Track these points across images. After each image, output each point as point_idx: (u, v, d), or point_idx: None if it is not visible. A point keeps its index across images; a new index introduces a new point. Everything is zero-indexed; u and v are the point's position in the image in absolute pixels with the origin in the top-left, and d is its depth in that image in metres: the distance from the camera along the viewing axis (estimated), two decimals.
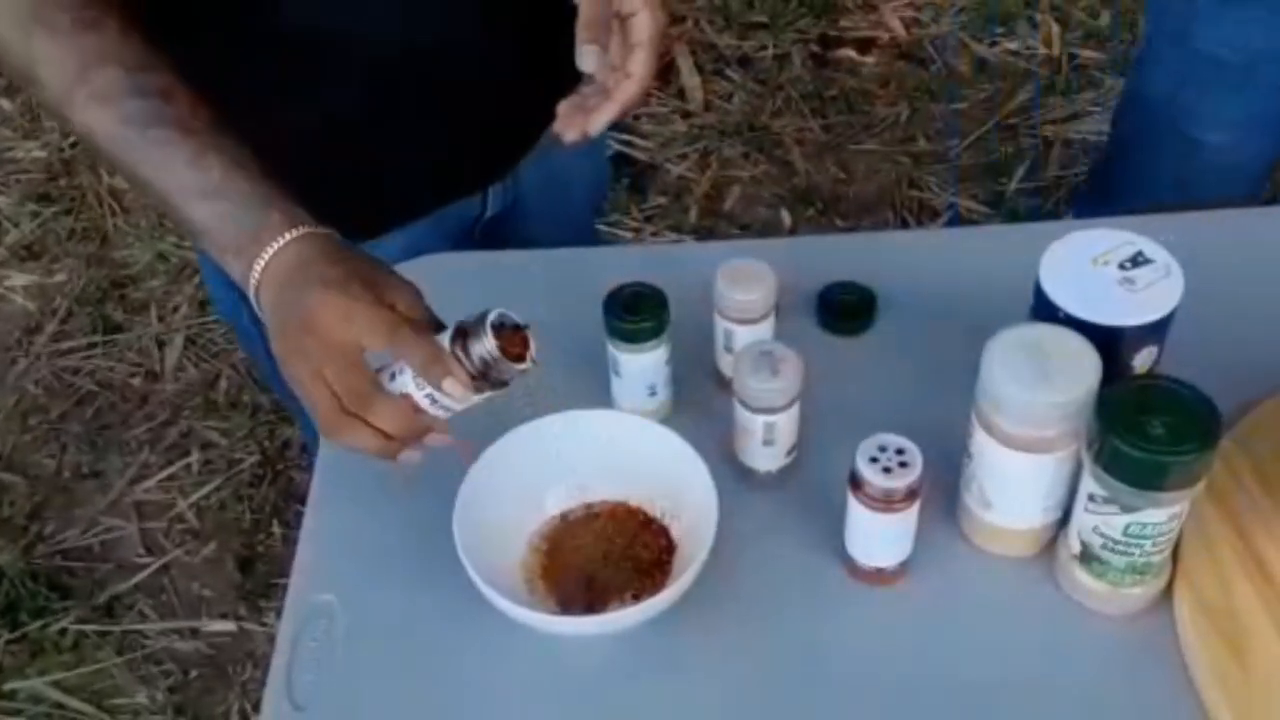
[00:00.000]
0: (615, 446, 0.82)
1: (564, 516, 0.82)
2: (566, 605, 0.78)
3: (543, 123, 0.86)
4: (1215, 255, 0.86)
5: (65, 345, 2.03)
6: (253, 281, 0.72)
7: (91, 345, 2.03)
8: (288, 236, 0.72)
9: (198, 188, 0.73)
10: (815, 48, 2.47)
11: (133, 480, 1.83)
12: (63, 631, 1.65)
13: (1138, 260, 0.78)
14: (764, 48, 2.44)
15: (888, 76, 2.40)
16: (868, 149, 2.26)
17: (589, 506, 0.83)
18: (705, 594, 0.76)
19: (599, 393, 0.88)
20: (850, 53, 2.45)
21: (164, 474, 1.84)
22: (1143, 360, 0.78)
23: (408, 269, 1.06)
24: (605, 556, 0.80)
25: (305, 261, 0.71)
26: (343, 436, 0.72)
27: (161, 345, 2.02)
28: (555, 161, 1.04)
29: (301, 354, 0.70)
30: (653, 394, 0.87)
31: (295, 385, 0.72)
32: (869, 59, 2.44)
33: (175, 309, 2.08)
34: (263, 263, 0.71)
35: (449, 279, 1.03)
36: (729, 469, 0.84)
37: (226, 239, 0.73)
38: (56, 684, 1.60)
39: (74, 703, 1.58)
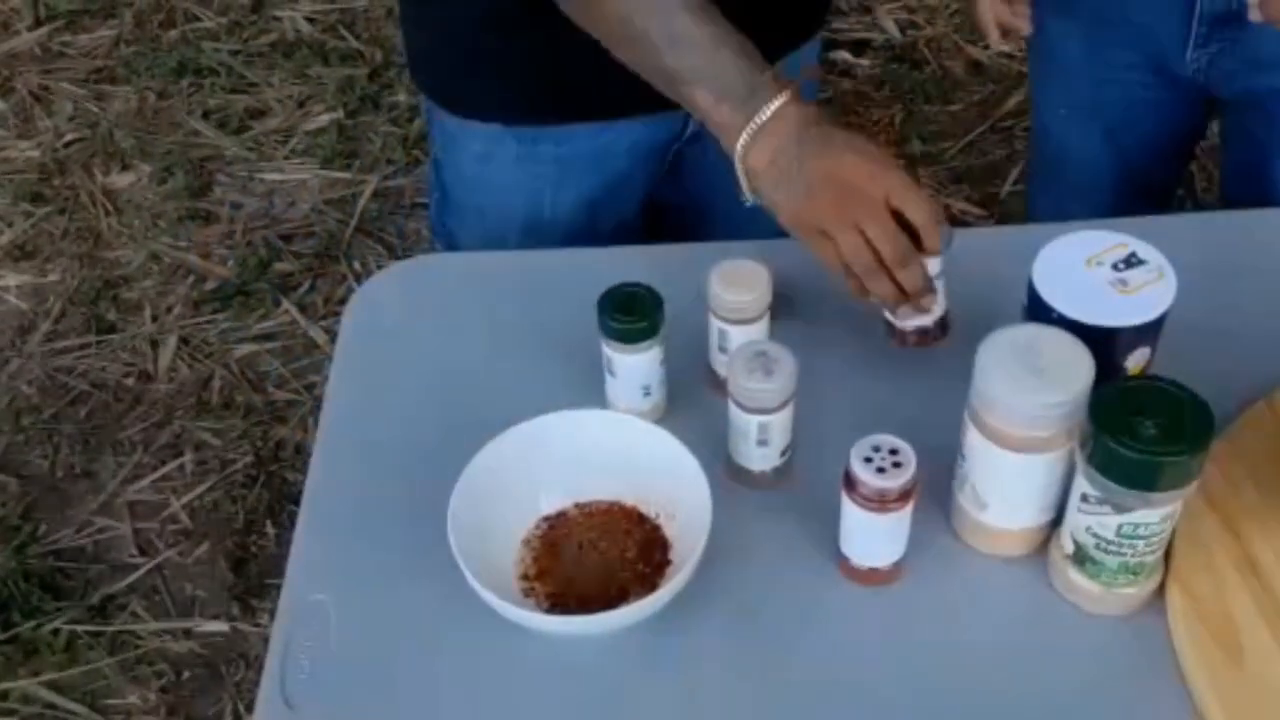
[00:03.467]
0: (609, 446, 0.82)
1: (558, 516, 0.82)
2: (560, 605, 0.78)
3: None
4: (1208, 257, 0.86)
5: (58, 345, 2.02)
6: (749, 130, 0.81)
7: (85, 345, 2.02)
8: (786, 95, 0.81)
9: (700, 38, 0.83)
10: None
11: (126, 480, 1.83)
12: (55, 632, 1.64)
13: (1131, 261, 0.78)
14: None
15: (882, 78, 2.40)
16: None
17: (583, 506, 0.83)
18: (699, 594, 0.76)
19: (593, 393, 0.88)
20: (845, 55, 2.45)
21: (157, 474, 1.83)
22: (1136, 361, 0.78)
23: (400, 269, 1.06)
24: (599, 556, 0.80)
25: (811, 121, 0.81)
26: (872, 285, 0.81)
27: (155, 345, 2.01)
28: None
29: (837, 209, 0.80)
30: (647, 394, 0.87)
31: (821, 236, 0.81)
32: (864, 61, 2.44)
33: (169, 309, 2.07)
34: (766, 114, 0.81)
35: (444, 279, 1.03)
36: (723, 469, 0.84)
37: (725, 87, 0.82)
38: (49, 685, 1.59)
39: (67, 703, 1.58)
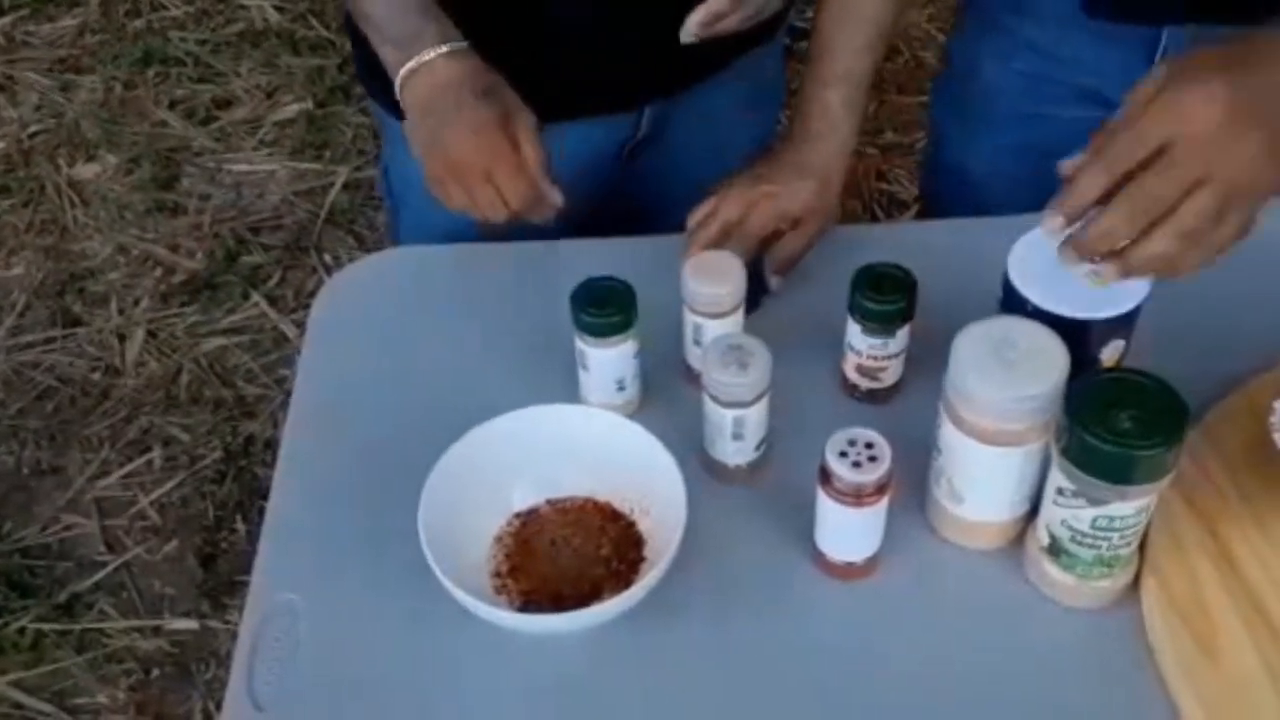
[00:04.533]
0: (582, 442, 0.81)
1: (530, 513, 0.82)
2: (533, 602, 0.77)
3: (710, 60, 1.02)
4: None
5: (23, 339, 2.00)
6: (400, 75, 0.90)
7: (50, 339, 2.00)
8: (439, 50, 0.88)
9: None
10: (784, 40, 2.46)
11: (93, 477, 1.81)
12: (22, 630, 1.62)
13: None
14: None
15: None
16: None
17: (555, 503, 0.82)
18: (674, 589, 0.75)
19: (566, 387, 0.87)
20: None
21: (125, 470, 1.81)
22: (1110, 353, 0.78)
23: (371, 262, 1.05)
24: (573, 553, 0.79)
25: (454, 82, 0.88)
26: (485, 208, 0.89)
27: (122, 339, 1.99)
28: (716, 109, 1.12)
29: (447, 175, 0.89)
30: (621, 389, 0.86)
31: (439, 185, 0.90)
32: None
33: (136, 302, 2.05)
34: (412, 64, 0.89)
35: (415, 271, 1.02)
36: (698, 463, 0.83)
37: (390, 33, 0.91)
38: (16, 684, 1.58)
39: (34, 703, 1.56)
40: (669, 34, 0.93)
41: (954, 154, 1.27)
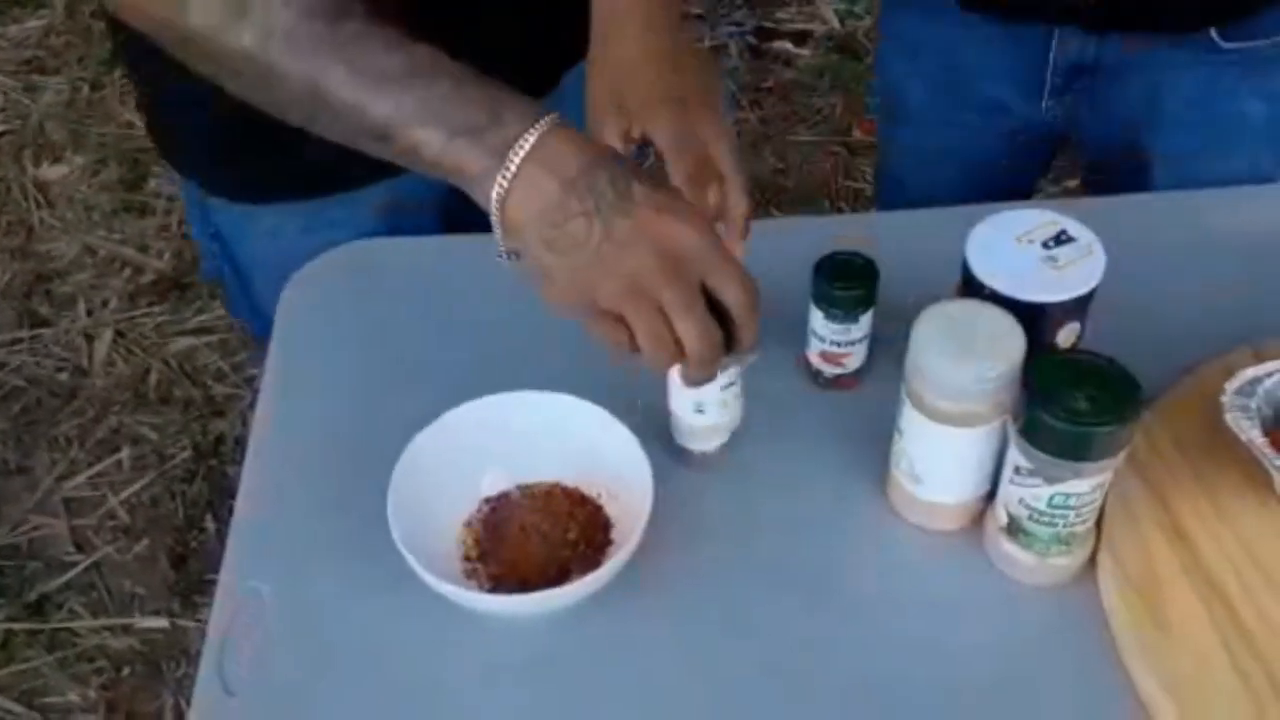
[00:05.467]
0: (550, 427, 0.81)
1: (500, 498, 0.82)
2: (503, 587, 0.77)
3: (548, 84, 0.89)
4: (1136, 235, 0.88)
5: None
6: (505, 170, 0.62)
7: (17, 340, 1.98)
8: (548, 122, 0.63)
9: (404, 69, 0.64)
10: (751, 40, 2.48)
11: (61, 477, 1.80)
12: None
13: (1061, 239, 0.79)
14: (700, 39, 2.45)
15: (823, 68, 2.42)
16: (803, 139, 2.28)
17: (524, 488, 0.83)
18: (640, 573, 0.76)
19: (533, 377, 0.87)
20: (786, 45, 2.47)
21: (94, 470, 1.80)
22: (1066, 336, 0.79)
23: (336, 255, 1.05)
24: (541, 537, 0.80)
25: (596, 161, 0.63)
26: (656, 369, 0.67)
27: (90, 339, 1.98)
28: None
29: (638, 284, 0.63)
30: (699, 411, 0.83)
31: (606, 316, 0.65)
32: (804, 51, 2.46)
33: (104, 303, 2.04)
34: (526, 146, 0.62)
35: (380, 264, 1.03)
36: (665, 449, 0.84)
37: (455, 120, 0.63)
38: None
39: (4, 702, 1.55)
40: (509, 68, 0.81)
41: (893, 164, 1.28)
